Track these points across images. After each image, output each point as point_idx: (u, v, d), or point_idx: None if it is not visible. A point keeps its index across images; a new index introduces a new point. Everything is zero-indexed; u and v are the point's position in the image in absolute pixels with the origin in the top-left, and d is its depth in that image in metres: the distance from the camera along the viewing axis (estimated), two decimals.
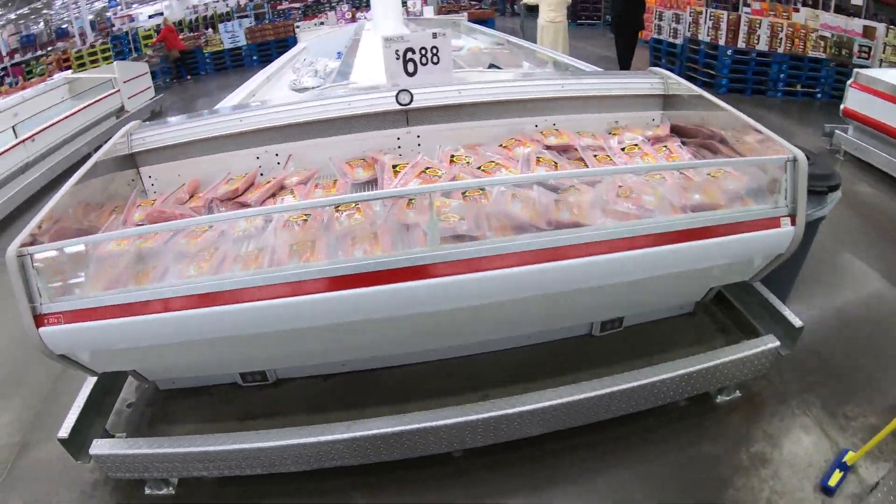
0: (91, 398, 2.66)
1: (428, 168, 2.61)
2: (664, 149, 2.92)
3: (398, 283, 2.02)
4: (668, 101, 3.25)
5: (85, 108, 6.48)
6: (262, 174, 2.93)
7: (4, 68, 10.01)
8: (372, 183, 2.77)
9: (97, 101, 6.92)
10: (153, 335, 2.13)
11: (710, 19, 7.86)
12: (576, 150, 2.84)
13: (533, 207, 2.29)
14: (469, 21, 6.49)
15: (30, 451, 2.95)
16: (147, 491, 2.60)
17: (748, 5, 8.81)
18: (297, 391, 2.91)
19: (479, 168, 2.62)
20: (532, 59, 4.58)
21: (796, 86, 8.05)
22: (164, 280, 2.20)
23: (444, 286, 2.04)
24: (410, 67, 2.86)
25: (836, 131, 6.02)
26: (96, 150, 2.90)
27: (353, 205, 2.33)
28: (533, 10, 8.61)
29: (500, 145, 2.87)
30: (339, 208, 2.47)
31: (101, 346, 2.21)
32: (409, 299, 2.06)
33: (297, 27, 11.99)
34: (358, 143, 2.90)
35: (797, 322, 2.70)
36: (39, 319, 2.08)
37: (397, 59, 2.84)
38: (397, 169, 2.65)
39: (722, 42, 7.77)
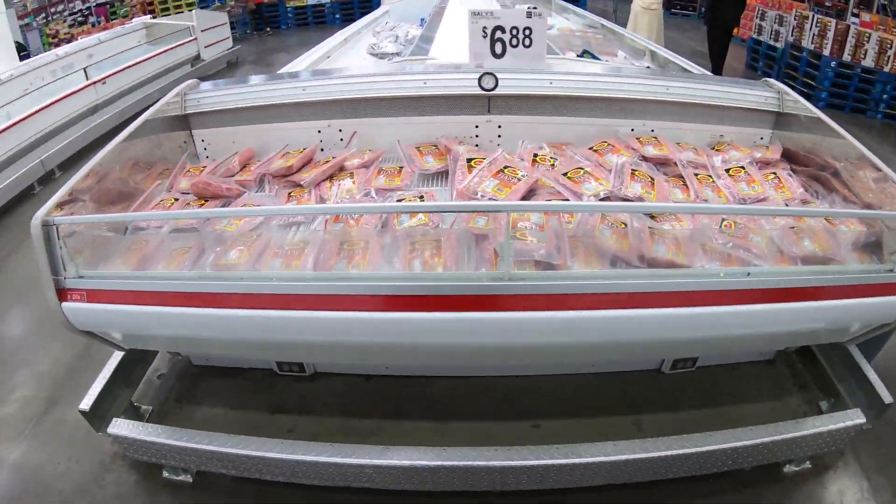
0: (120, 368, 2.41)
1: (507, 167, 2.20)
2: (773, 176, 2.43)
3: (461, 311, 1.65)
4: (780, 120, 2.73)
5: (160, 53, 6.28)
6: (322, 149, 2.58)
7: (89, 7, 9.93)
8: (442, 175, 2.38)
9: (173, 47, 6.72)
10: (183, 327, 1.85)
11: (816, 26, 6.99)
12: (675, 164, 2.38)
13: (624, 236, 1.87)
14: None
15: (56, 408, 2.74)
16: (165, 474, 2.35)
17: (856, 15, 7.82)
18: (335, 388, 2.60)
19: (564, 175, 2.19)
20: (627, 49, 4.04)
21: None
22: (199, 264, 1.89)
23: (515, 322, 1.66)
24: (498, 48, 2.43)
25: None
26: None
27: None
28: None
29: (591, 148, 2.43)
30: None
31: (126, 329, 1.94)
32: (471, 331, 1.70)
33: None
34: (431, 128, 2.51)
35: (887, 397, 2.21)
36: (63, 294, 1.85)
37: (484, 37, 2.41)
38: (472, 164, 2.24)
39: (826, 52, 6.90)
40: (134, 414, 2.42)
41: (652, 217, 2.08)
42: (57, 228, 1.74)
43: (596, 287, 1.64)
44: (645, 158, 2.39)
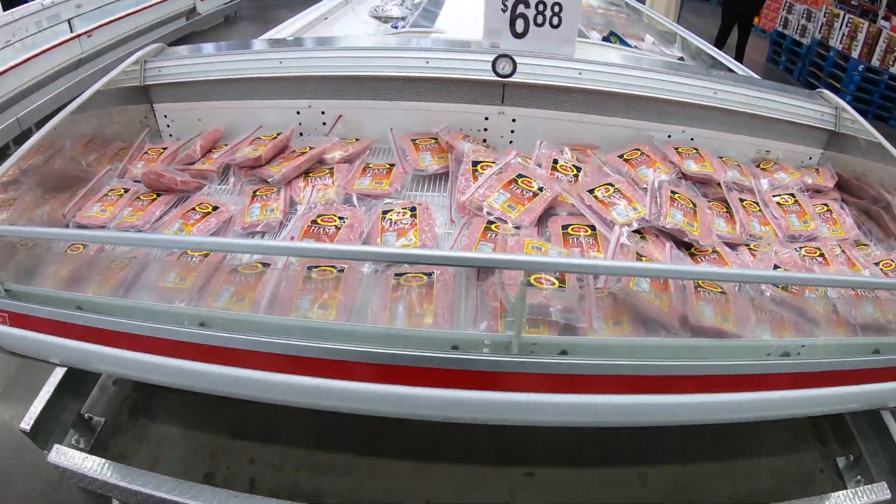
0: (68, 375, 1.97)
1: (521, 177, 1.71)
2: (824, 208, 1.97)
3: (452, 389, 1.19)
4: (833, 139, 2.23)
5: (152, 6, 5.58)
6: (301, 134, 2.07)
7: None
8: (441, 177, 1.88)
9: None
10: (122, 369, 1.40)
11: (846, 26, 6.30)
12: (718, 185, 1.89)
13: (664, 287, 1.39)
14: None
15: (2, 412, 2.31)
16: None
17: (888, 19, 7.06)
18: (304, 412, 2.15)
19: (591, 193, 1.70)
20: (654, 32, 3.46)
21: None
22: (139, 283, 1.42)
23: (521, 405, 1.19)
24: (520, 26, 1.89)
25: None
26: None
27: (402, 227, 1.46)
28: None
29: (621, 156, 1.92)
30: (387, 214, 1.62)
31: (60, 360, 1.50)
32: (464, 409, 1.24)
33: None
34: (431, 116, 2.00)
35: None
36: None
37: (504, 10, 1.87)
38: (479, 168, 1.74)
39: (855, 55, 6.24)
40: (84, 428, 2.00)
41: (691, 252, 1.61)
42: None
43: (627, 368, 1.18)
44: (685, 176, 1.89)
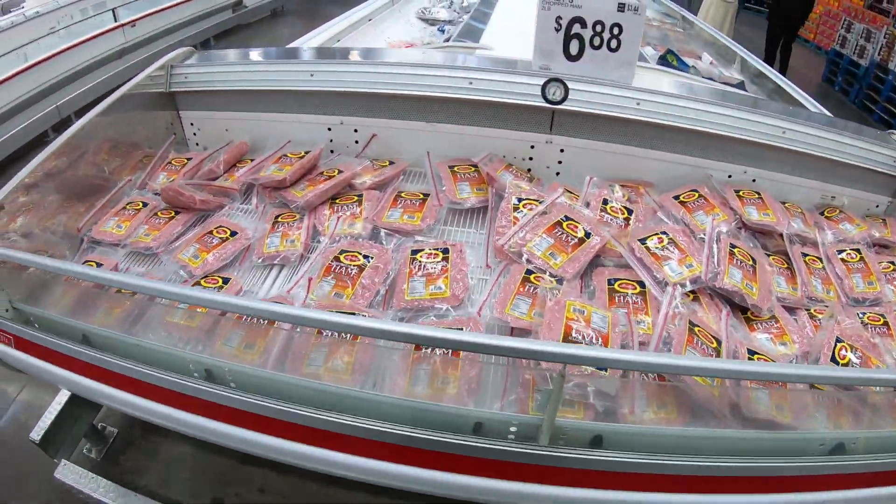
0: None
1: (566, 220, 1.49)
2: (891, 267, 1.70)
3: (479, 476, 1.00)
4: None
5: None
6: (332, 151, 1.89)
7: None
8: (479, 211, 1.68)
9: None
10: (121, 407, 1.27)
11: None
12: (780, 236, 1.64)
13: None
14: None
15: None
16: None
17: None
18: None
19: (641, 242, 1.48)
20: (713, 51, 3.16)
21: None
22: (145, 320, 1.29)
23: (547, 498, 1.00)
24: (574, 47, 1.67)
25: None
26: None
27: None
28: None
29: (678, 198, 1.69)
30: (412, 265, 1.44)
31: (60, 385, 1.39)
32: (492, 494, 1.04)
33: None
34: (473, 141, 1.80)
35: None
36: None
37: (557, 30, 1.65)
38: (520, 207, 1.54)
39: None
40: (96, 438, 1.90)
41: (747, 316, 1.38)
42: None
43: (669, 467, 0.98)
44: (745, 226, 1.65)
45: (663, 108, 1.68)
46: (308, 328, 1.17)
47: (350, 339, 1.18)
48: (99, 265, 1.55)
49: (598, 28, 1.65)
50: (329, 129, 1.87)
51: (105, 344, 1.27)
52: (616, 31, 1.66)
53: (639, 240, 1.49)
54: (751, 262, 1.48)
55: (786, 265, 1.59)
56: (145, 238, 1.62)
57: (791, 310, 1.48)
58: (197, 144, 2.04)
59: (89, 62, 4.11)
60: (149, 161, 1.91)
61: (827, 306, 1.49)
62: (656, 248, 1.47)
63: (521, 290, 1.36)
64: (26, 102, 3.68)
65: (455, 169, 1.73)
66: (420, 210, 1.60)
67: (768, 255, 1.59)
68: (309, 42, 2.49)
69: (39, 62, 3.72)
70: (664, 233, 1.51)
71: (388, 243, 1.52)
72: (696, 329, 1.26)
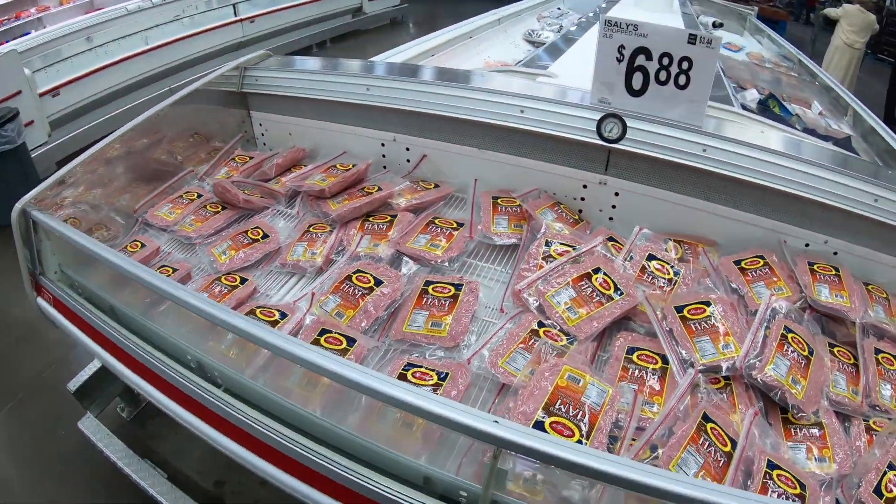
0: None
1: (598, 272, 1.44)
2: None
3: None
4: None
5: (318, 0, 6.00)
6: (384, 167, 1.98)
7: None
8: (510, 250, 1.67)
9: None
10: (142, 391, 1.42)
11: None
12: (853, 324, 1.43)
13: None
14: (758, 18, 4.51)
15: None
16: None
17: None
18: None
19: (677, 310, 1.37)
20: (825, 100, 2.84)
21: None
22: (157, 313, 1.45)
23: None
24: (637, 81, 1.60)
25: None
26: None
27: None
28: (830, 25, 6.45)
29: (739, 263, 1.54)
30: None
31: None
32: None
33: None
34: (526, 173, 1.78)
35: None
36: (38, 288, 1.63)
37: (620, 60, 1.58)
38: (552, 253, 1.51)
39: None
40: (129, 399, 2.10)
41: (786, 417, 1.24)
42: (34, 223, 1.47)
43: None
44: (811, 308, 1.47)
45: (733, 157, 1.53)
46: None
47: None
48: (143, 246, 1.76)
49: (665, 61, 1.56)
50: (382, 145, 1.94)
51: (125, 321, 1.44)
52: (685, 65, 1.55)
53: (675, 307, 1.39)
54: (806, 353, 1.31)
55: (852, 361, 1.38)
56: (188, 228, 1.79)
57: (846, 418, 1.29)
58: (264, 144, 2.22)
59: (206, 51, 4.63)
60: (215, 155, 2.13)
61: (891, 418, 1.29)
62: (693, 319, 1.36)
63: (525, 343, 1.33)
64: (142, 82, 4.23)
65: (498, 201, 1.72)
66: (449, 239, 1.62)
67: (833, 348, 1.40)
68: (401, 55, 2.61)
69: (159, 46, 4.23)
70: (708, 303, 1.39)
71: (407, 269, 1.57)
72: (709, 426, 1.15)
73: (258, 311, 1.44)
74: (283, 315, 1.45)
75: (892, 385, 1.35)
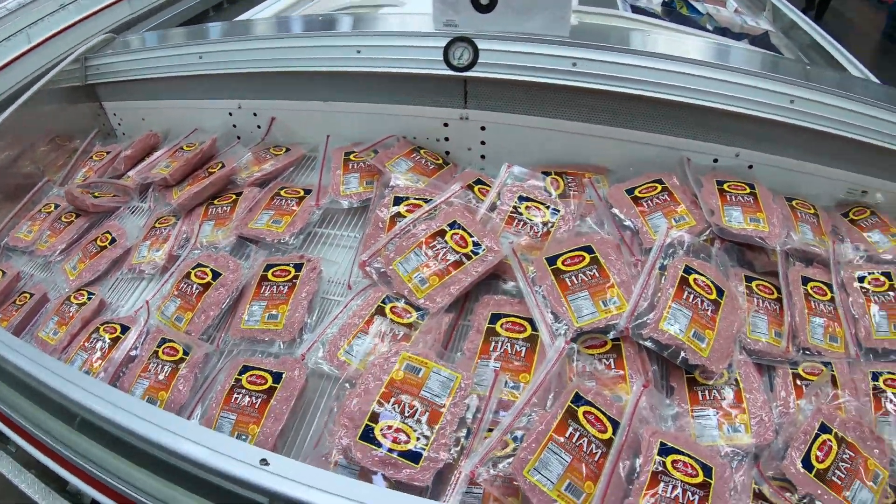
0: None
1: (453, 227, 1.13)
2: None
3: None
4: None
5: None
6: (238, 138, 1.65)
7: None
8: (363, 212, 1.36)
9: None
10: None
11: None
12: (773, 252, 1.14)
13: None
14: None
15: None
16: None
17: None
18: None
19: (550, 262, 1.07)
20: None
21: None
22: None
23: None
24: None
25: None
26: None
27: None
28: None
29: (632, 191, 1.24)
30: None
31: None
32: None
33: None
34: (383, 120, 1.45)
35: None
36: None
37: None
38: (401, 212, 1.21)
39: None
40: None
41: (692, 378, 0.96)
42: None
43: None
44: (720, 237, 1.16)
45: (612, 69, 1.21)
46: None
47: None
48: (4, 274, 1.48)
49: None
50: (230, 115, 1.61)
51: None
52: None
53: (547, 258, 1.09)
54: (713, 296, 1.02)
55: (776, 296, 1.10)
56: (43, 245, 1.52)
57: (770, 368, 1.02)
58: (123, 135, 1.90)
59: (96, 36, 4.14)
60: (72, 158, 1.82)
61: (827, 363, 1.00)
62: (569, 271, 1.06)
63: (367, 325, 1.05)
64: (28, 86, 3.76)
65: (350, 157, 1.40)
66: (294, 210, 1.31)
67: (751, 282, 1.11)
68: (270, 8, 2.25)
69: (44, 41, 3.74)
70: (588, 248, 1.09)
71: (252, 254, 1.28)
72: (581, 410, 0.87)
73: (102, 328, 1.21)
74: (126, 329, 1.19)
75: (826, 320, 1.07)
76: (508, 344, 1.00)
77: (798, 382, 0.98)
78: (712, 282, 1.04)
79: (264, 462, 0.69)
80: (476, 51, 1.25)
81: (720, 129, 1.26)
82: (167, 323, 1.19)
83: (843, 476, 0.85)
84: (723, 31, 2.05)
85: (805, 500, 0.84)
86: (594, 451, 0.85)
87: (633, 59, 1.23)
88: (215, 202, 1.42)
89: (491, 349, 1.00)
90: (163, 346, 1.13)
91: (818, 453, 0.86)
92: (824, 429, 0.88)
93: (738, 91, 1.20)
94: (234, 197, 1.41)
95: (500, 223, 1.17)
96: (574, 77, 1.23)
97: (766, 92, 1.19)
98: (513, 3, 1.23)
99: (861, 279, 1.12)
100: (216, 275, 1.22)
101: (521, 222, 1.18)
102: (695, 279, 1.04)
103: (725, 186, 1.23)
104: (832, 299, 1.09)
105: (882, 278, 1.11)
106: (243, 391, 1.01)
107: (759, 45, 2.03)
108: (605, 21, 1.71)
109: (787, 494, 0.84)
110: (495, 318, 1.04)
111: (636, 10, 1.97)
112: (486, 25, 1.26)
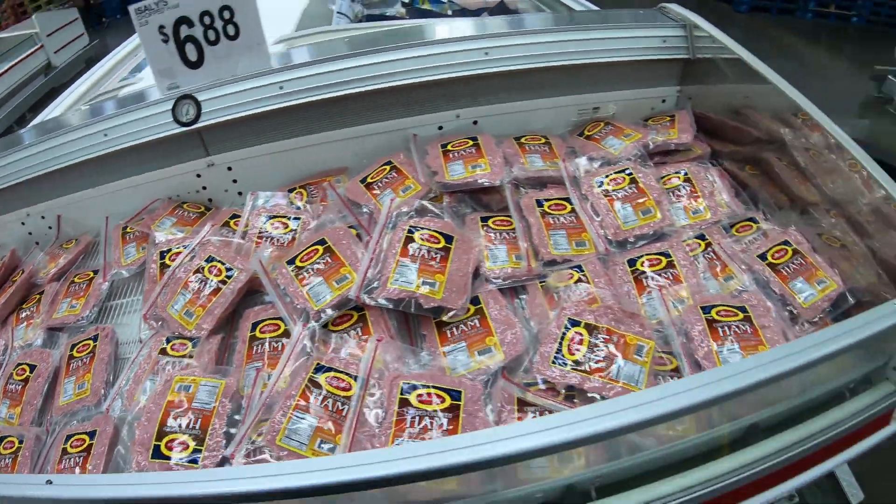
0: None
1: (210, 262, 1.31)
2: (680, 179, 1.43)
3: None
4: (689, 69, 1.64)
5: (4, 72, 5.18)
6: (37, 243, 1.73)
7: None
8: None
9: (19, 61, 5.44)
10: None
11: None
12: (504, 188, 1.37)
13: None
14: None
15: None
16: None
17: None
18: None
19: (290, 264, 1.27)
20: None
21: (829, 6, 6.00)
22: None
23: None
24: (191, 52, 1.42)
25: (890, 77, 3.94)
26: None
27: None
28: None
29: (365, 181, 1.45)
30: None
31: None
32: None
33: None
34: (146, 190, 1.60)
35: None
36: None
37: (164, 41, 1.40)
38: (167, 259, 1.38)
39: None
40: None
41: (442, 321, 1.17)
42: None
43: None
44: (445, 192, 1.39)
45: (320, 79, 1.41)
46: None
47: None
48: None
49: (208, 20, 1.39)
50: (23, 224, 1.70)
51: None
52: (227, 15, 1.40)
53: (286, 261, 1.28)
54: (441, 245, 1.22)
55: (513, 226, 1.32)
56: None
57: (521, 290, 1.23)
58: None
59: None
60: None
61: (576, 268, 1.22)
62: (305, 265, 1.26)
63: (154, 367, 1.21)
64: None
65: (127, 230, 1.54)
66: (85, 293, 1.45)
67: (486, 221, 1.32)
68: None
69: None
70: (322, 241, 1.29)
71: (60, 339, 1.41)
72: (323, 377, 1.04)
73: None
74: None
75: (568, 230, 1.29)
76: (268, 343, 1.19)
77: (549, 294, 1.19)
78: (439, 232, 1.24)
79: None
80: (198, 104, 1.42)
81: (435, 98, 1.47)
82: (3, 423, 1.31)
83: (601, 359, 1.02)
84: (461, 12, 2.29)
85: (571, 392, 0.98)
86: (341, 408, 1.03)
87: (336, 64, 1.43)
88: (23, 306, 1.53)
89: (255, 353, 1.18)
90: (2, 442, 1.25)
91: (571, 346, 1.04)
92: (573, 323, 1.07)
93: (438, 60, 1.41)
94: (38, 297, 1.53)
95: (251, 245, 1.36)
96: (285, 98, 1.42)
97: (463, 52, 1.41)
98: (217, 53, 1.41)
99: (600, 183, 1.35)
100: (32, 367, 1.35)
101: (269, 238, 1.37)
102: (420, 235, 1.23)
103: (449, 147, 1.45)
104: (573, 210, 1.31)
105: (621, 176, 1.36)
106: (69, 454, 1.15)
107: (497, 12, 2.29)
108: (324, 38, 1.89)
109: (553, 394, 0.99)
110: (255, 325, 1.22)
111: (373, 18, 2.19)
112: (201, 79, 1.43)
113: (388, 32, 1.64)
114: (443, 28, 1.57)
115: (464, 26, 1.58)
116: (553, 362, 1.04)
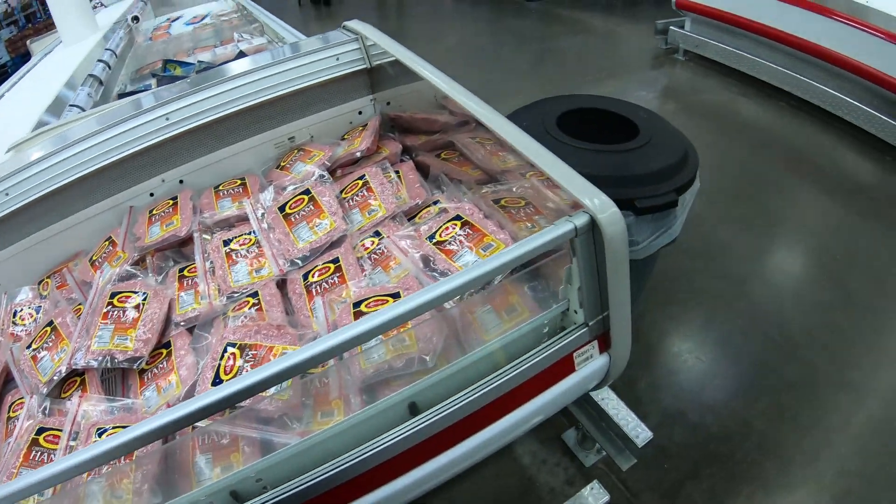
0: None
1: None
2: (359, 185, 1.58)
3: None
4: (374, 77, 1.82)
5: None
6: None
7: None
8: None
9: None
10: None
11: None
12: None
13: None
14: None
15: None
16: None
17: None
18: None
19: None
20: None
21: None
22: None
23: None
24: None
25: (671, 28, 4.38)
26: None
27: None
28: None
29: (91, 258, 1.66)
30: None
31: None
32: None
33: None
34: None
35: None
36: None
37: None
38: None
39: None
40: None
41: None
42: None
43: None
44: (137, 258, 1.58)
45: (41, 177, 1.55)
46: None
47: None
48: None
49: None
50: None
51: None
52: None
53: (27, 346, 1.47)
54: (135, 303, 1.38)
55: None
56: None
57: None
58: None
59: None
60: None
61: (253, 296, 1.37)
62: (38, 346, 1.43)
63: None
64: None
65: None
66: None
67: (182, 271, 1.50)
68: None
69: None
70: (49, 323, 1.48)
71: None
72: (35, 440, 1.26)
73: None
74: None
75: (248, 261, 1.45)
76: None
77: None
78: (132, 291, 1.42)
79: None
80: None
81: (139, 168, 1.65)
82: None
83: None
84: (208, 68, 2.39)
85: None
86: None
87: (43, 163, 1.54)
88: None
89: (9, 430, 1.43)
90: None
91: (226, 367, 1.23)
92: (231, 345, 1.26)
93: (125, 137, 1.58)
94: None
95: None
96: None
97: (144, 125, 1.59)
98: None
99: (282, 209, 1.54)
100: None
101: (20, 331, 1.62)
102: (118, 299, 1.40)
103: (154, 211, 1.62)
104: (256, 242, 1.50)
105: (300, 198, 1.54)
106: None
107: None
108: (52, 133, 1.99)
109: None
110: (10, 406, 1.49)
111: (124, 95, 2.32)
112: None
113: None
114: (127, 106, 1.72)
115: (146, 100, 1.69)
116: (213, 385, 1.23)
